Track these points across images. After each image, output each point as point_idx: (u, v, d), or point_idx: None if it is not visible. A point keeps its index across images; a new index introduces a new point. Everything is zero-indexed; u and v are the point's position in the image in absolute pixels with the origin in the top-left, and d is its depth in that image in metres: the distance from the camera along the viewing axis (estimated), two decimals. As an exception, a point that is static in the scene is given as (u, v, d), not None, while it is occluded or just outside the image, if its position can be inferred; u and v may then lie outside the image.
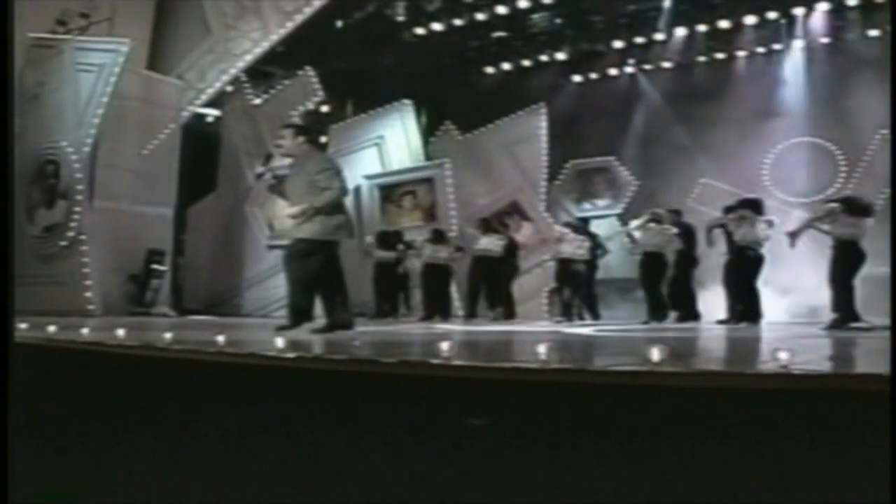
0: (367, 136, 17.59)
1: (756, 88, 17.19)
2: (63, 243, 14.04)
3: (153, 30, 15.29)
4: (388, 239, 15.10)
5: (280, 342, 4.11)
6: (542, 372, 3.03)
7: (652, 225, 12.19)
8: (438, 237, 14.55)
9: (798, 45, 16.98)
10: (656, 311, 11.95)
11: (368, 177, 17.40)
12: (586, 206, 19.13)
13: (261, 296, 16.10)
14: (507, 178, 17.78)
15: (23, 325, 6.19)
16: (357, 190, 17.08)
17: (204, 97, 15.78)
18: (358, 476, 2.98)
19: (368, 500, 2.95)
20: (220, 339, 4.51)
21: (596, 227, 16.99)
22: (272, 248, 16.35)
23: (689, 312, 12.10)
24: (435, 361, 3.33)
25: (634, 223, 12.67)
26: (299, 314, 6.87)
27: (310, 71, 16.34)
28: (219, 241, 16.98)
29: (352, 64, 17.66)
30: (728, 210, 11.50)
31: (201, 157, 16.55)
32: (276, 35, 15.16)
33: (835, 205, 9.65)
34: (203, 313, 15.24)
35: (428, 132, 18.35)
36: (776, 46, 17.15)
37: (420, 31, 17.08)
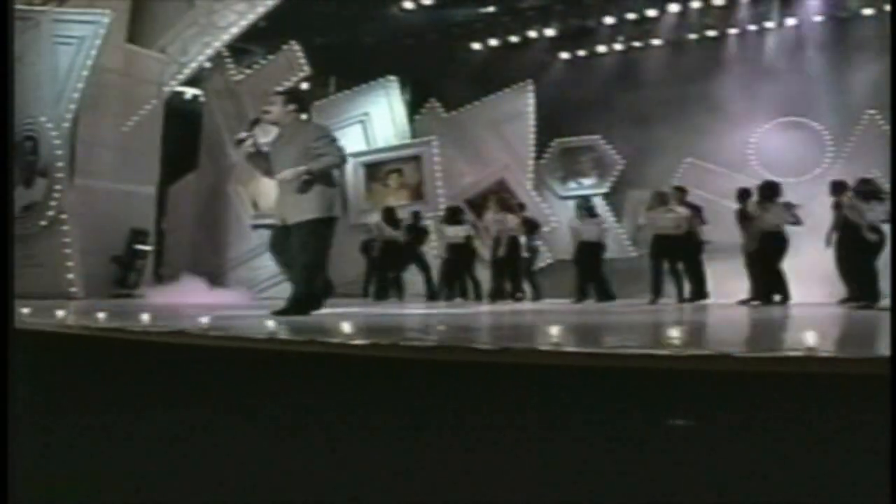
0: (351, 113, 17.22)
1: (746, 67, 17.00)
2: (43, 223, 13.49)
3: (134, 1, 14.67)
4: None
5: (347, 327, 3.73)
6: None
7: (660, 207, 11.96)
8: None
9: (791, 23, 16.75)
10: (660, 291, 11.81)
11: (353, 154, 17.00)
12: (572, 184, 18.92)
13: (245, 276, 15.68)
14: (493, 156, 17.55)
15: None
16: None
17: (187, 72, 15.20)
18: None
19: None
20: (271, 324, 4.11)
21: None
22: (256, 227, 15.95)
23: (699, 292, 11.85)
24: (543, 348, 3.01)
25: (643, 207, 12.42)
26: (311, 299, 6.51)
27: (295, 45, 15.91)
28: (200, 220, 16.51)
29: (335, 39, 17.21)
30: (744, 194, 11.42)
31: (181, 134, 16.02)
32: (263, 7, 14.63)
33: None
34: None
35: (413, 109, 17.98)
36: (769, 24, 16.93)
37: (406, 5, 16.64)
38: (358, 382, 3.13)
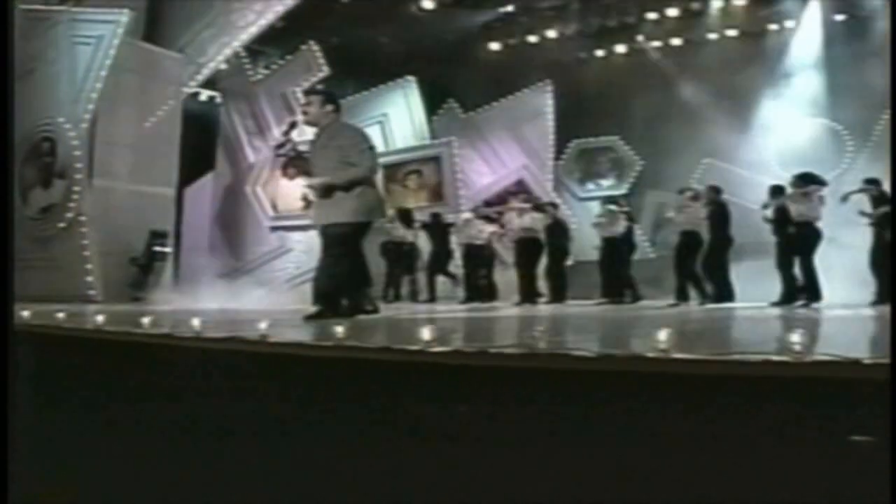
0: (370, 114, 16.96)
1: (766, 66, 16.82)
2: (61, 225, 13.36)
3: (151, 1, 14.52)
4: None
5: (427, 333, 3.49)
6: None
7: (689, 203, 11.76)
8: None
9: (812, 22, 16.53)
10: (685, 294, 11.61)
11: (371, 156, 16.82)
12: (590, 185, 18.76)
13: (264, 279, 15.47)
14: (512, 157, 17.42)
15: (25, 313, 5.58)
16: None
17: (205, 72, 15.05)
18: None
19: None
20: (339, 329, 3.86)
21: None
22: (275, 229, 15.80)
23: (725, 293, 11.61)
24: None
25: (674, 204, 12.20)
26: (353, 303, 6.34)
27: (314, 45, 15.74)
28: (217, 222, 16.34)
29: (352, 39, 16.98)
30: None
31: (197, 135, 15.82)
32: (282, 6, 14.45)
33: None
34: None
35: (430, 110, 17.79)
36: (788, 23, 16.74)
37: (425, 4, 16.48)
38: (451, 392, 2.95)
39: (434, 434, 2.64)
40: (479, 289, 13.73)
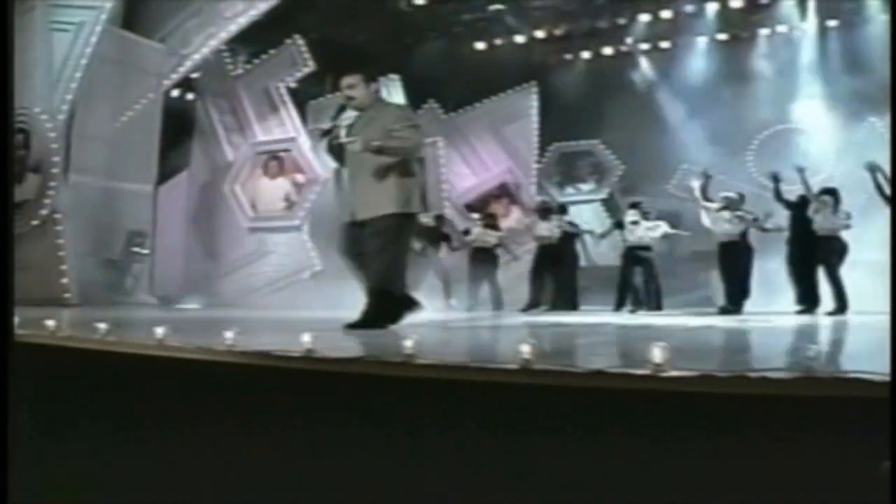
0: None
1: (751, 72, 16.62)
2: (35, 223, 12.54)
3: (129, -15, 13.77)
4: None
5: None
6: None
7: (726, 213, 11.59)
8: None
9: (804, 27, 16.32)
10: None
11: (353, 156, 16.23)
12: (569, 190, 18.37)
13: (241, 283, 14.82)
14: (495, 159, 16.99)
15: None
16: (339, 171, 15.93)
17: (188, 64, 14.28)
18: None
19: None
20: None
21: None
22: (254, 230, 15.13)
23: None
24: None
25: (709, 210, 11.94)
26: (389, 310, 5.89)
27: (299, 40, 15.08)
28: (192, 222, 15.59)
29: (334, 35, 16.33)
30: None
31: (172, 131, 15.04)
32: (273, -5, 13.75)
33: None
34: (174, 302, 13.86)
35: (410, 111, 17.21)
36: (780, 29, 16.52)
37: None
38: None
39: None
40: (495, 296, 13.38)
